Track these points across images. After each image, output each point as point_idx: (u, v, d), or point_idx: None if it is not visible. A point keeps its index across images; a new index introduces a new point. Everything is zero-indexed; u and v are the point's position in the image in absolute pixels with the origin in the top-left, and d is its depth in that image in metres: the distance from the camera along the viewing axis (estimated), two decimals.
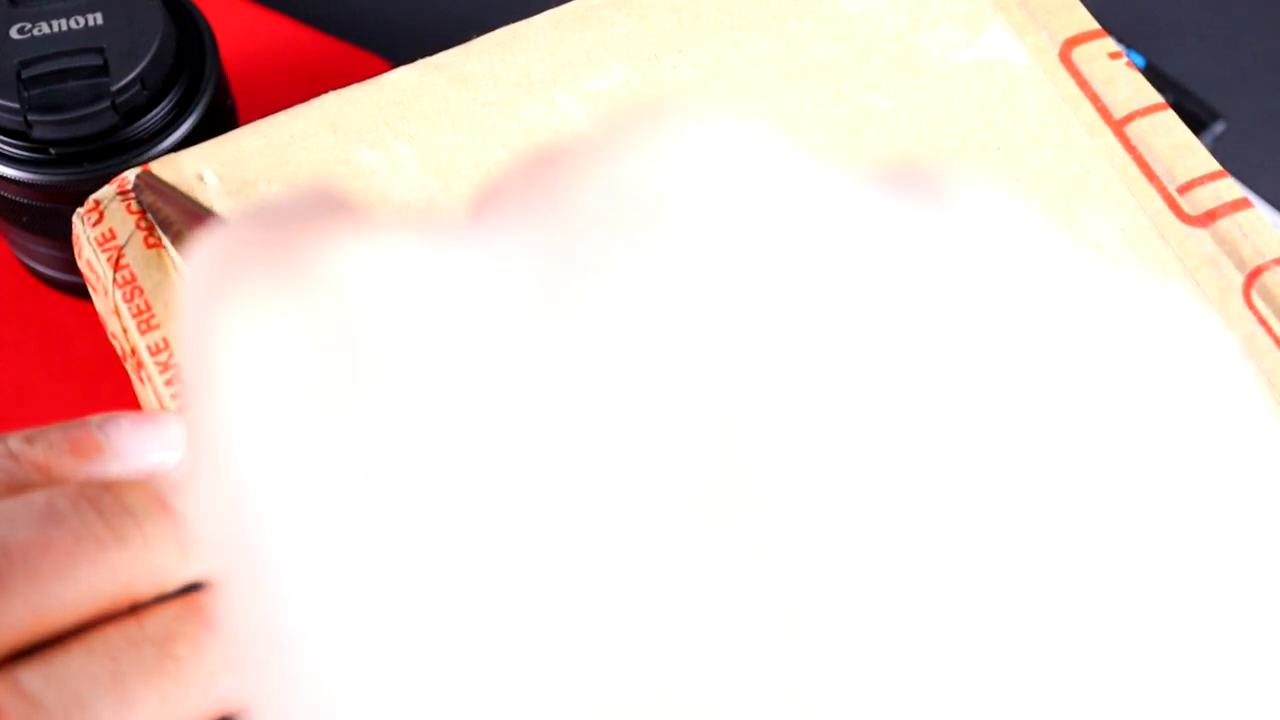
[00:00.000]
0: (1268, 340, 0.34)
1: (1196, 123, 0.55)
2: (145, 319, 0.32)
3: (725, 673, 0.12)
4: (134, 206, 0.33)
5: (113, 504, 0.26)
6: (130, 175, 0.34)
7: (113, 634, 0.26)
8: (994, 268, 0.14)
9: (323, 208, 0.15)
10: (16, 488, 0.27)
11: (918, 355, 0.13)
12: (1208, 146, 0.56)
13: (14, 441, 0.28)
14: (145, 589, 0.26)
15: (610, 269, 0.13)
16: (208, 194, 0.34)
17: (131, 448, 0.28)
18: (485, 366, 0.13)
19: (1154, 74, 0.56)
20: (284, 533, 0.13)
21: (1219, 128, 0.55)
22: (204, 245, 0.15)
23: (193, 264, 0.15)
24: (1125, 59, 0.37)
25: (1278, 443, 0.14)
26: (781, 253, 0.13)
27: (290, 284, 0.14)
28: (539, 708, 0.12)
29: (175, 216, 0.32)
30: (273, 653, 0.13)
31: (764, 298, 0.13)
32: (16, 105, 0.42)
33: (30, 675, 0.25)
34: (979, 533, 0.13)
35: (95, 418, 0.29)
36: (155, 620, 0.26)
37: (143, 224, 0.33)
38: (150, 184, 0.33)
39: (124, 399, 0.48)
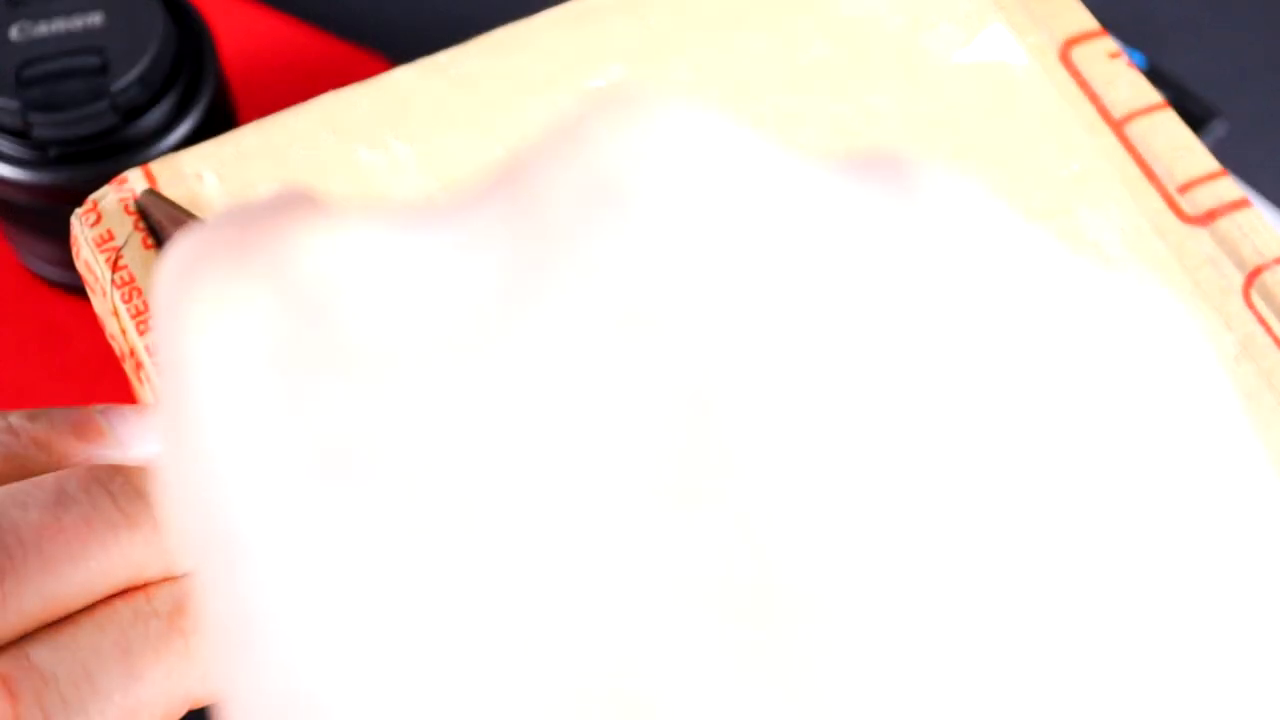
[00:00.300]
0: (1267, 340, 0.34)
1: (1196, 122, 0.55)
2: (144, 320, 0.32)
3: (691, 658, 0.12)
4: (132, 207, 0.33)
5: (123, 486, 0.26)
6: (135, 186, 0.34)
7: (121, 608, 0.26)
8: (958, 255, 0.14)
9: (291, 204, 0.15)
10: (16, 462, 0.27)
11: (885, 344, 0.13)
12: (1208, 146, 0.55)
13: (15, 417, 0.28)
14: (156, 572, 0.27)
15: (575, 254, 0.13)
16: (213, 208, 0.34)
17: (133, 435, 0.28)
18: (452, 349, 0.13)
19: (1154, 73, 0.56)
20: (251, 515, 0.13)
21: (1219, 128, 0.55)
22: (175, 246, 0.15)
23: (163, 265, 0.15)
24: (1125, 58, 0.37)
25: (1246, 436, 0.14)
26: (748, 239, 0.14)
27: (254, 268, 0.14)
28: (509, 694, 0.12)
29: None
30: (243, 638, 0.13)
31: (730, 284, 0.13)
32: (16, 105, 0.42)
33: (40, 649, 0.25)
34: (945, 528, 0.13)
35: (98, 406, 0.29)
36: (163, 595, 0.26)
37: (141, 225, 0.33)
38: (156, 203, 0.32)
39: (123, 399, 0.48)
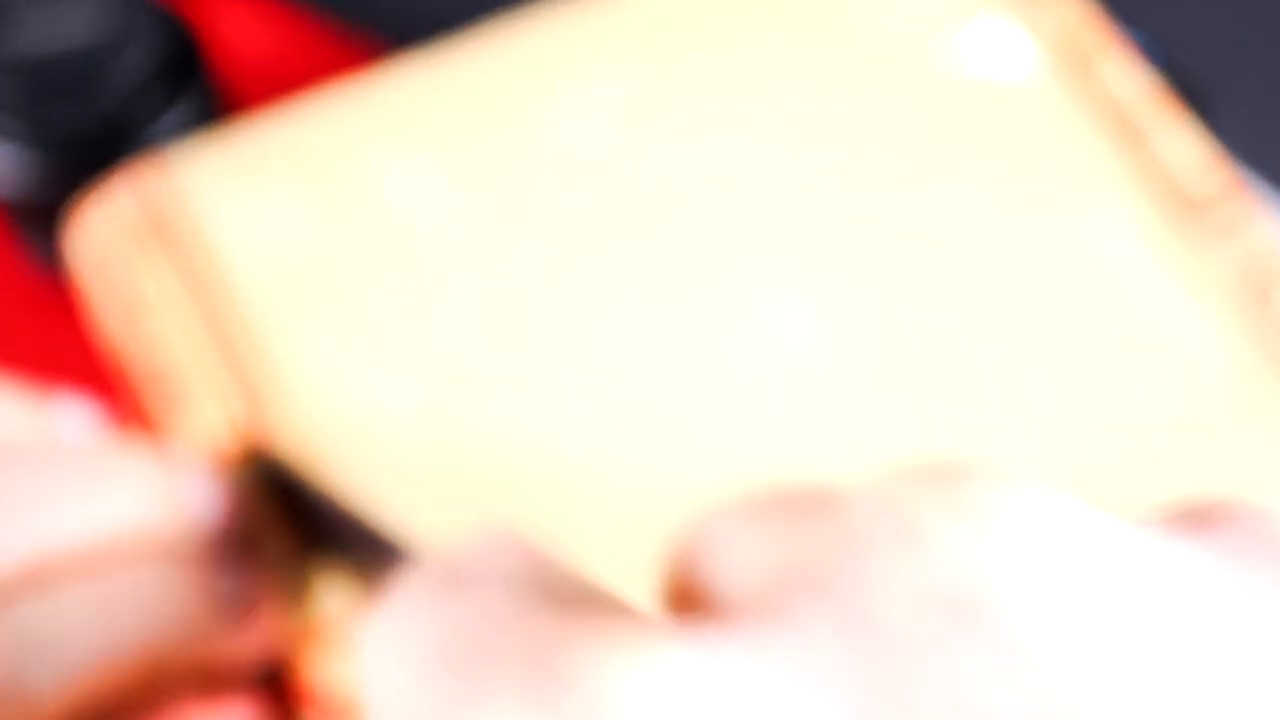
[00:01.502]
0: (1271, 343, 0.34)
1: (1195, 108, 0.55)
2: (140, 322, 0.32)
3: None
4: (130, 208, 0.33)
5: (107, 453, 0.27)
6: (135, 188, 0.34)
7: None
8: None
9: (534, 582, 0.13)
10: None
11: None
12: (1207, 128, 0.55)
13: None
14: (134, 527, 0.27)
15: (936, 681, 0.12)
16: (221, 224, 0.34)
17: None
18: None
19: (1155, 54, 0.56)
20: None
21: (1218, 113, 0.55)
22: (390, 620, 0.14)
23: (375, 645, 0.14)
24: (1129, 58, 0.37)
25: None
26: (1128, 648, 0.12)
27: (558, 705, 0.12)
28: None
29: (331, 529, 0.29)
30: None
31: (1114, 696, 0.12)
32: (16, 105, 0.42)
33: (28, 607, 0.25)
34: None
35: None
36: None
37: (139, 226, 0.33)
38: (274, 469, 0.29)
39: (123, 399, 0.48)
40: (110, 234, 0.33)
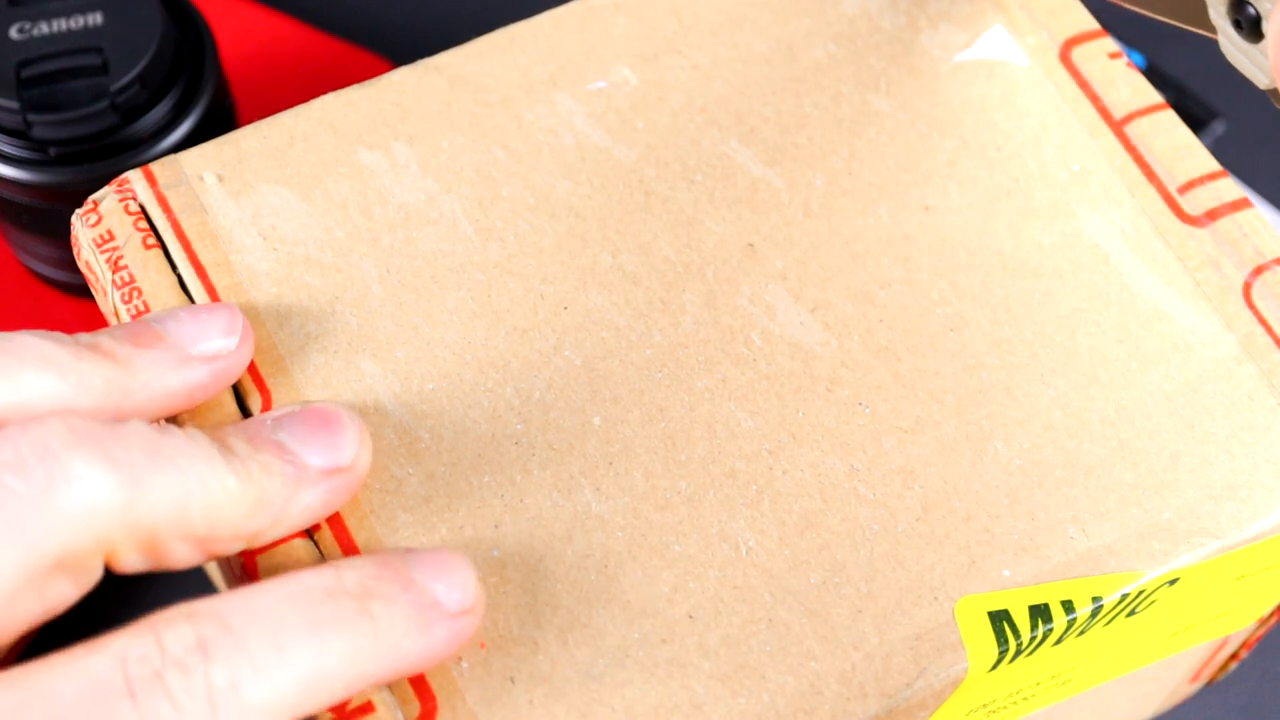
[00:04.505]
0: (1268, 340, 0.34)
1: (1196, 122, 0.55)
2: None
3: None
4: (131, 207, 0.33)
5: (282, 447, 0.29)
6: (135, 186, 0.34)
7: (313, 583, 0.27)
8: None
9: None
10: (81, 374, 0.28)
11: None
12: (1208, 146, 0.56)
13: (82, 336, 0.29)
14: (327, 505, 0.29)
15: None
16: (214, 210, 0.34)
17: (189, 335, 0.30)
18: None
19: (1154, 74, 0.56)
20: None
21: (1219, 128, 0.55)
22: None
23: None
24: (1125, 59, 0.37)
25: None
26: None
27: None
28: None
29: None
30: None
31: None
32: (16, 105, 0.42)
33: (235, 613, 0.26)
34: None
35: (152, 314, 0.30)
36: (353, 573, 0.27)
37: (141, 225, 0.33)
38: None
39: None
40: (114, 236, 0.33)
